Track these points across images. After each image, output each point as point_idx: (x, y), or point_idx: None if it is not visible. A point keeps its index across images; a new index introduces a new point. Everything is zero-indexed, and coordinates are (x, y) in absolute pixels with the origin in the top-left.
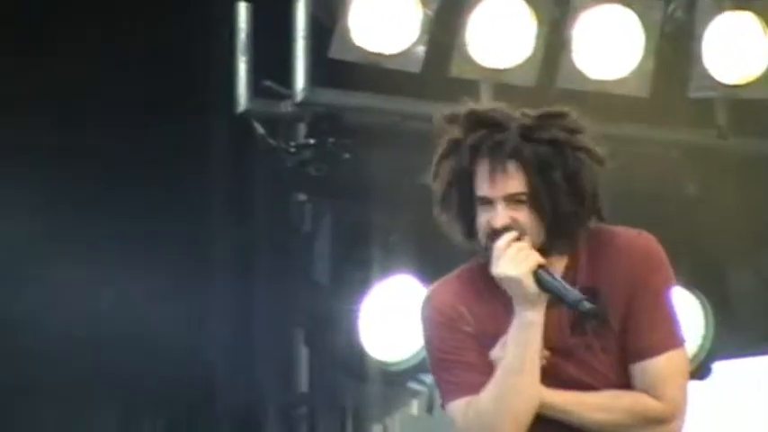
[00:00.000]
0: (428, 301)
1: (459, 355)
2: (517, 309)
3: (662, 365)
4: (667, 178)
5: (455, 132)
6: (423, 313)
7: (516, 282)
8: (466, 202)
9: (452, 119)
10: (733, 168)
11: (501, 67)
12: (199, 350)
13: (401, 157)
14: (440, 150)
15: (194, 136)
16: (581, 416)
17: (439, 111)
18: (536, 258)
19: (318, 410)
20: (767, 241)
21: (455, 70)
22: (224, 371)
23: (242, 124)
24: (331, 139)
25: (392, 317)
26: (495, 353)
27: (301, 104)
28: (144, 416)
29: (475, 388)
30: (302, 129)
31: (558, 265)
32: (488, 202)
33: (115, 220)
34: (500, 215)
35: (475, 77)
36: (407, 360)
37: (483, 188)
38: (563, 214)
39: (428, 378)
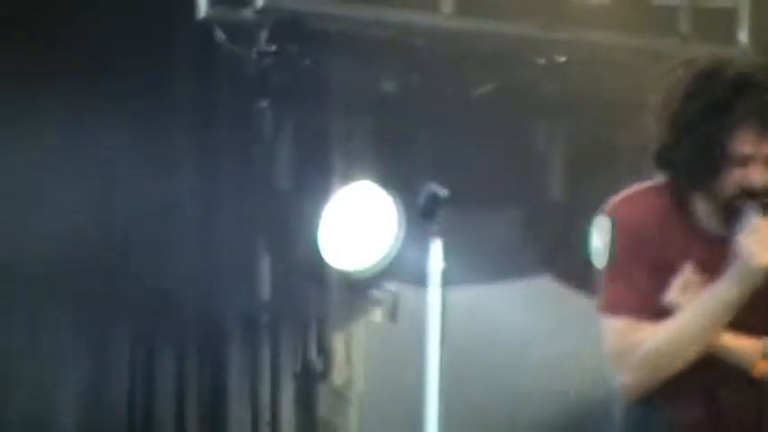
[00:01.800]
0: (616, 209)
1: (630, 272)
2: (729, 281)
3: None
4: (630, 84)
5: (718, 90)
6: (610, 218)
7: (757, 267)
8: (709, 156)
9: (713, 74)
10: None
11: None
12: (160, 255)
13: (362, 64)
14: (697, 104)
15: (155, 43)
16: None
17: (399, 17)
18: None
19: (281, 318)
20: None
21: None
22: (186, 276)
23: (203, 31)
24: (292, 46)
25: (354, 223)
26: (672, 296)
27: (263, 11)
28: (108, 321)
29: (634, 311)
30: (264, 35)
31: None
32: (747, 159)
33: (77, 129)
34: (762, 175)
35: None
36: (370, 268)
37: (747, 146)
38: None
39: (392, 286)
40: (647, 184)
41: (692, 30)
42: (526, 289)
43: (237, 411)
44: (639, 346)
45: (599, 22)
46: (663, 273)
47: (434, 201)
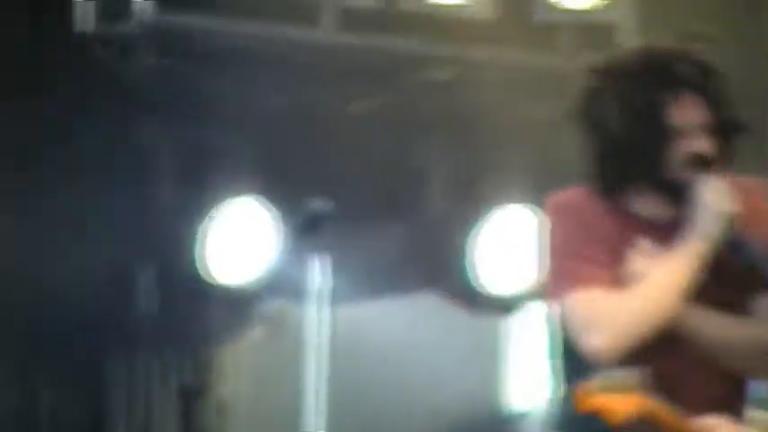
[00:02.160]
0: (557, 197)
1: (585, 249)
2: (692, 238)
3: None
4: (514, 101)
5: (645, 67)
6: (550, 207)
7: (719, 216)
8: (655, 133)
9: (641, 59)
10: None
11: None
12: (40, 273)
13: (246, 79)
14: (626, 84)
15: (34, 58)
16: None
17: (282, 33)
18: (734, 205)
19: (164, 334)
20: None
21: None
22: (66, 294)
23: (85, 44)
24: (176, 61)
25: (236, 239)
26: (635, 266)
27: (146, 25)
28: None
29: (595, 281)
30: (147, 50)
31: None
32: (689, 131)
33: None
34: (706, 142)
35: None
36: (253, 283)
37: (688, 116)
38: (735, 143)
39: (276, 302)
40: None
41: (575, 46)
42: (410, 306)
43: (120, 429)
44: (617, 307)
45: (482, 39)
46: (614, 254)
47: (317, 217)
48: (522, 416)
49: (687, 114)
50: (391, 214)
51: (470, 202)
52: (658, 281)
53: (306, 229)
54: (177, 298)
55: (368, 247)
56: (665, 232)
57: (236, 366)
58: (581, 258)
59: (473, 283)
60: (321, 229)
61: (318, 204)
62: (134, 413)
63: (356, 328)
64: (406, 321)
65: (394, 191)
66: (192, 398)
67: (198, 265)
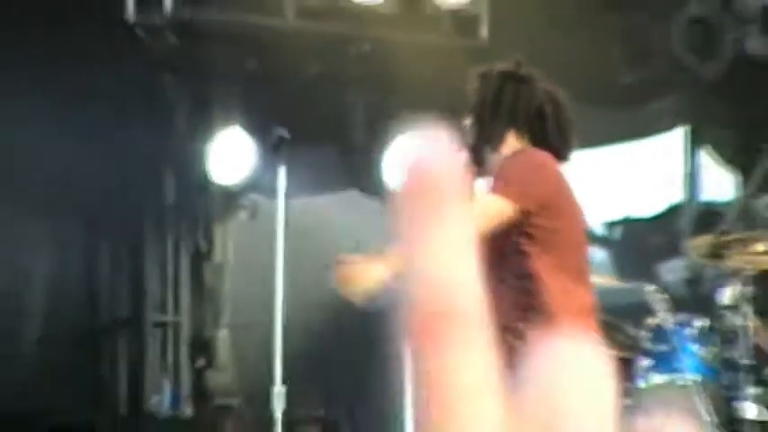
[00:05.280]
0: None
1: None
2: None
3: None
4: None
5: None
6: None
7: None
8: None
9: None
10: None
11: None
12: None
13: None
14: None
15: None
16: None
17: None
18: None
19: (181, 216)
20: None
21: None
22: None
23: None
24: None
25: (230, 153)
26: None
27: None
28: None
29: None
30: None
31: None
32: None
33: None
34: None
35: None
36: (239, 183)
37: None
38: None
39: (253, 196)
40: None
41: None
42: (341, 200)
43: (153, 283)
44: None
45: None
46: None
47: (280, 139)
48: None
49: None
50: (327, 138)
51: (384, 131)
52: None
53: (272, 148)
54: (190, 191)
55: (313, 160)
56: None
57: (229, 238)
58: None
59: (385, 182)
60: (283, 147)
61: (281, 131)
62: (164, 272)
63: (307, 215)
64: (339, 211)
65: (328, 123)
66: (201, 260)
67: (205, 169)
